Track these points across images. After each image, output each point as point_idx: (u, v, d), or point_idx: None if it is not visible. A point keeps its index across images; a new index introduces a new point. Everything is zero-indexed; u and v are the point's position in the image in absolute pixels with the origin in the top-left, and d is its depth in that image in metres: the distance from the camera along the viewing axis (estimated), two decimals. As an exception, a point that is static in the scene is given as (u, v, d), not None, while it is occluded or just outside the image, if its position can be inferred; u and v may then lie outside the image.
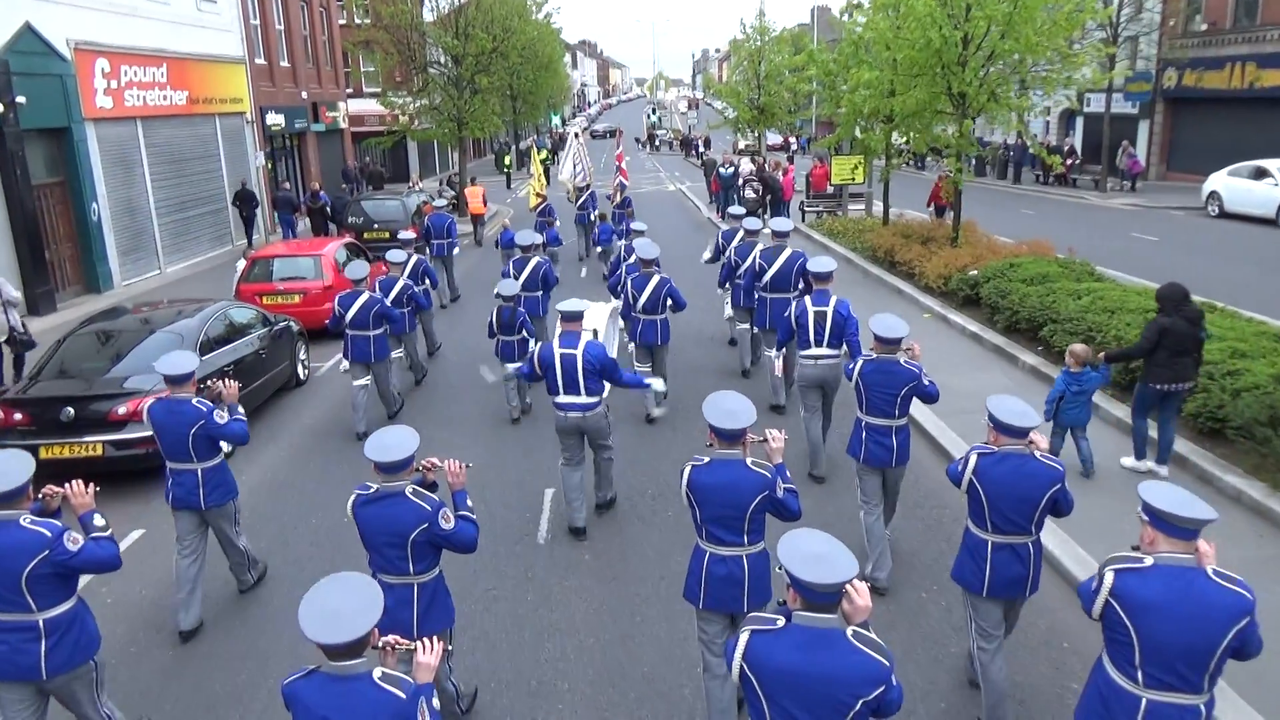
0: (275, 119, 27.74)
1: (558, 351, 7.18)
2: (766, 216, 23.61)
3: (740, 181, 25.48)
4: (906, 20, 14.76)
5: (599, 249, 18.16)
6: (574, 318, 7.29)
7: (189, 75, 22.29)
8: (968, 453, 4.92)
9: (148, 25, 20.36)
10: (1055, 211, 27.13)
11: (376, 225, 20.20)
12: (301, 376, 12.21)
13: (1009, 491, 4.74)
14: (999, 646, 4.97)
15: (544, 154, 29.80)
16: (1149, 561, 3.59)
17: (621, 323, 10.30)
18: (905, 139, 16.77)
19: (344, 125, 35.21)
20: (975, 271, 13.51)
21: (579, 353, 7.15)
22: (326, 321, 10.32)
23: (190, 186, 22.41)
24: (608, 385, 7.38)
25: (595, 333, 7.87)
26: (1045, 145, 36.41)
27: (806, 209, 24.58)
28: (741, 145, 38.52)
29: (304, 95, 30.56)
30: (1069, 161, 34.81)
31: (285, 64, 29.46)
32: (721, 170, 25.79)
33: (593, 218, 19.25)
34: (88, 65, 18.01)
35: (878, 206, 23.70)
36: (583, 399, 7.24)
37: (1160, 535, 3.62)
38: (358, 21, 37.76)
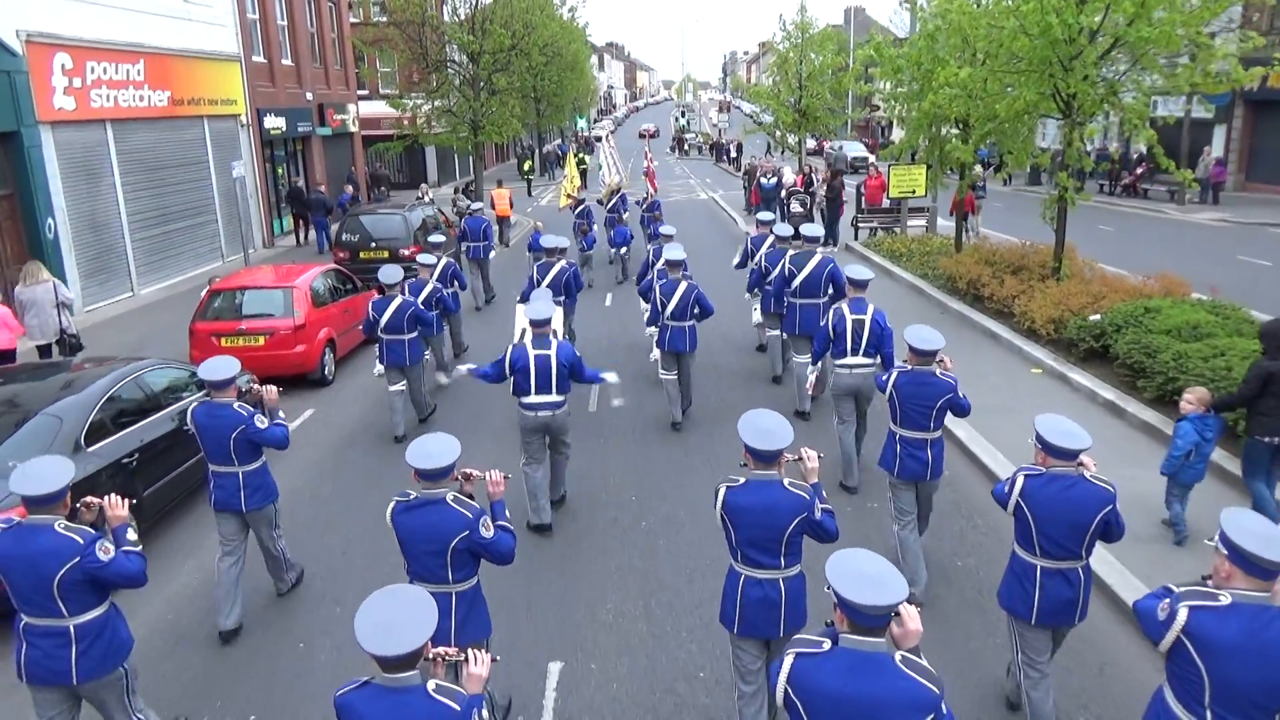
0: (274, 122, 25.46)
1: (532, 353, 7.41)
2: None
3: (784, 194, 22.88)
4: (1000, 5, 12.13)
5: (613, 250, 18.62)
6: (543, 323, 7.51)
7: (172, 73, 20.00)
8: (1014, 473, 4.74)
9: (122, 17, 18.07)
10: (1137, 228, 24.28)
11: (374, 244, 17.73)
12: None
13: (1058, 515, 4.55)
14: (1045, 674, 4.79)
15: (580, 156, 27.48)
16: (1226, 599, 3.37)
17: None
18: (997, 149, 14.04)
19: (354, 129, 32.89)
20: (1098, 316, 10.81)
21: (553, 353, 7.42)
22: (361, 327, 10.26)
23: (172, 197, 20.10)
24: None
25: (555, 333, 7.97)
26: (1116, 153, 33.85)
27: (860, 224, 21.86)
28: (851, 154, 32.95)
29: (309, 96, 28.27)
30: (1139, 170, 31.98)
31: (288, 62, 27.19)
32: (763, 181, 23.15)
33: (624, 216, 19.62)
34: (44, 60, 15.72)
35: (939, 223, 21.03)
36: (553, 398, 7.49)
37: (1238, 571, 3.38)
38: (374, 19, 35.59)
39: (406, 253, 17.57)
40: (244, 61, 23.69)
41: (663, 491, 8.41)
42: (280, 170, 27.44)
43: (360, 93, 34.60)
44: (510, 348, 7.58)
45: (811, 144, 47.20)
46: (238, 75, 23.40)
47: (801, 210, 20.65)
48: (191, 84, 20.87)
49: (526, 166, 38.63)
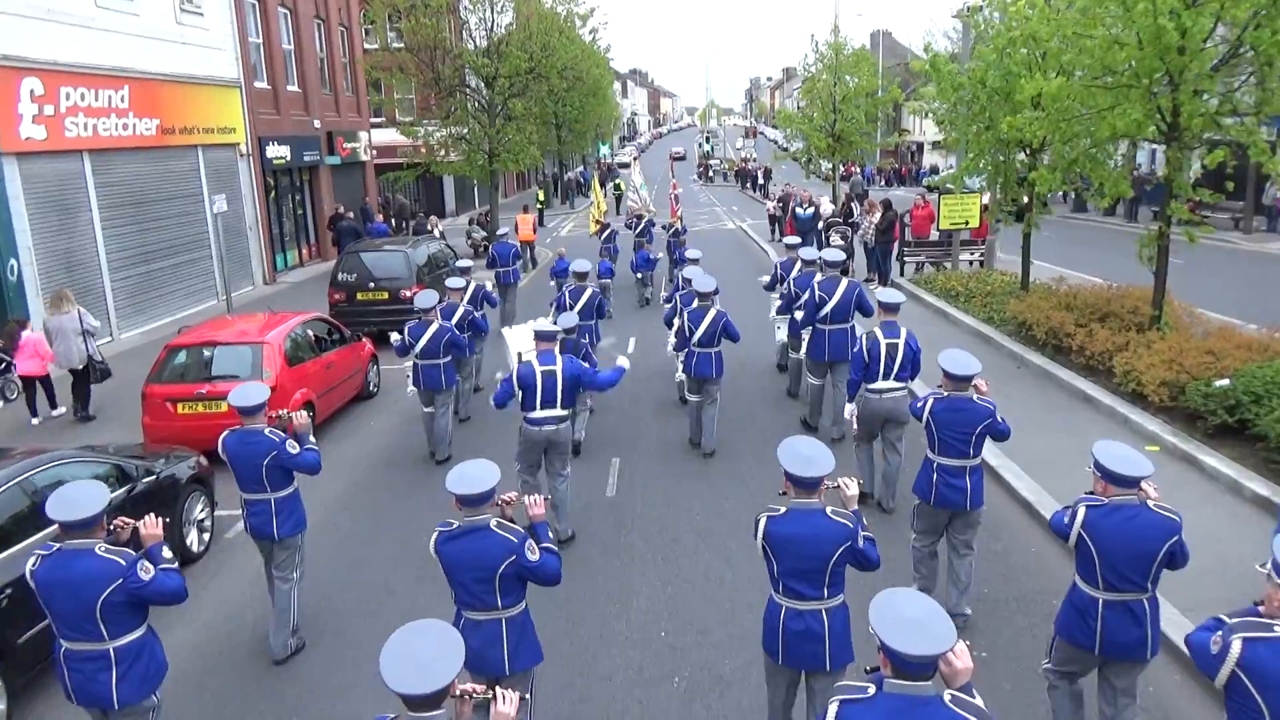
0: (278, 151, 24.03)
1: (539, 370, 7.55)
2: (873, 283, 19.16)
3: (822, 224, 21.03)
4: (1087, 13, 10.31)
5: (637, 275, 18.90)
6: (549, 337, 7.69)
7: (162, 100, 18.58)
8: (1075, 503, 4.49)
9: (104, 39, 16.66)
10: (1208, 260, 22.00)
11: (373, 284, 16.08)
12: (194, 548, 8.00)
13: (1122, 546, 4.33)
14: (1072, 682, 4.75)
15: (617, 182, 26.28)
16: None
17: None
18: (1079, 176, 12.16)
19: (366, 157, 31.48)
20: (1227, 381, 8.87)
21: (558, 369, 7.55)
22: (395, 349, 10.15)
23: (160, 232, 18.60)
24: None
25: (520, 355, 8.28)
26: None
27: (906, 258, 19.95)
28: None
29: (316, 124, 26.86)
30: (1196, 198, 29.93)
31: (294, 89, 25.82)
32: (799, 211, 21.33)
33: (649, 243, 20.09)
34: (9, 86, 14.26)
35: (1000, 260, 19.08)
36: (558, 412, 7.64)
37: None
38: (393, 46, 34.06)
39: (408, 294, 15.91)
40: (244, 87, 22.30)
41: (703, 623, 6.54)
42: (296, 199, 26.08)
43: (377, 120, 33.20)
44: (517, 367, 7.77)
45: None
46: (237, 102, 22.00)
47: (843, 244, 18.77)
48: (184, 111, 19.45)
49: (540, 196, 36.70)
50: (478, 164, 26.23)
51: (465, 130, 25.83)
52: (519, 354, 8.47)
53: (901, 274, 19.73)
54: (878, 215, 18.73)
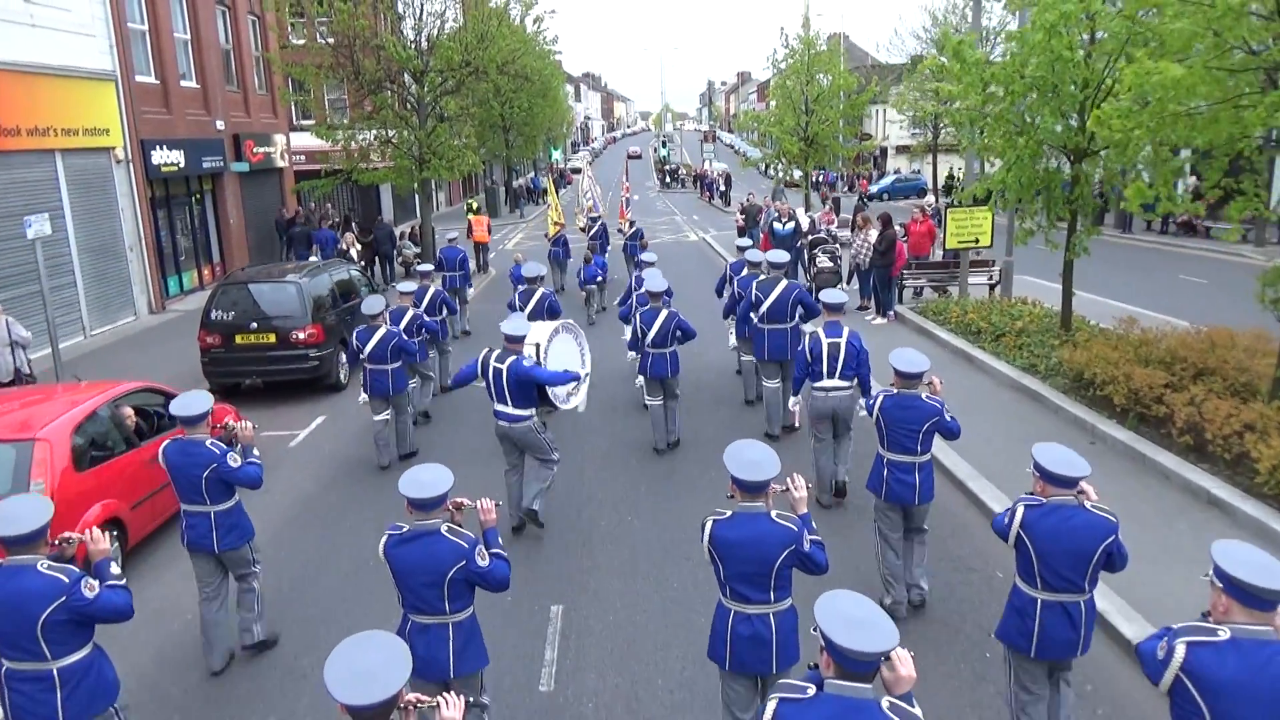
0: (168, 156, 20.48)
1: (491, 365, 7.82)
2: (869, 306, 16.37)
3: (804, 242, 18.09)
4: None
5: (584, 289, 18.22)
6: (515, 340, 7.79)
7: (1, 94, 15.08)
8: (1014, 504, 4.58)
9: (-90, 15, 13.20)
10: (1233, 278, 19.62)
11: (256, 325, 12.71)
12: None
13: (1060, 545, 4.39)
14: (1040, 696, 4.62)
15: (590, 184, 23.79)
16: (1224, 635, 3.21)
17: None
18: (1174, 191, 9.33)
19: (283, 163, 27.93)
20: None
21: (505, 368, 7.71)
22: (345, 358, 11.09)
23: (4, 257, 15.12)
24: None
25: (538, 347, 8.33)
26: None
27: (907, 282, 17.08)
28: None
29: (219, 126, 23.33)
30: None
31: (190, 84, 22.27)
32: (777, 226, 18.39)
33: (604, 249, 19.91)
34: None
35: (1021, 284, 16.28)
36: (510, 410, 7.79)
37: (1235, 604, 3.22)
38: (319, 41, 30.26)
39: (302, 335, 12.70)
40: (122, 81, 18.76)
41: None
42: (195, 212, 22.51)
43: (306, 123, 29.45)
44: (484, 351, 7.96)
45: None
46: (112, 98, 18.48)
47: (832, 266, 15.87)
48: (35, 109, 15.95)
49: (473, 205, 33.05)
50: (405, 170, 22.95)
51: (392, 133, 22.53)
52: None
53: (900, 299, 16.88)
54: (873, 233, 15.82)
